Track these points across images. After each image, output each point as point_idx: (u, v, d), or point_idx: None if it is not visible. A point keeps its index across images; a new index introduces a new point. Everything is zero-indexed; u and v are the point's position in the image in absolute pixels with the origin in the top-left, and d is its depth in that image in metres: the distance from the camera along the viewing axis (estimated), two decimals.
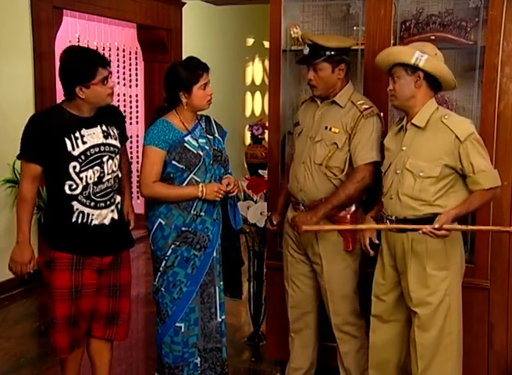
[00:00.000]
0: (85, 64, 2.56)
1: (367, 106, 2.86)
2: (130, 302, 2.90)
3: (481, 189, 2.50)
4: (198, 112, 2.99)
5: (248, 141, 7.81)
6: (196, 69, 2.86)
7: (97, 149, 2.64)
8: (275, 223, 3.16)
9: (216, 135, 3.01)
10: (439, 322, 2.60)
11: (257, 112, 9.11)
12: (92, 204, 2.65)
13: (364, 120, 2.84)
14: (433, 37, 2.94)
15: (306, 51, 2.85)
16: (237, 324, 4.24)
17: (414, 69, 2.52)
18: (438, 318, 2.60)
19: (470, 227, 2.73)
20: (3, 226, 4.69)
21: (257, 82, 9.14)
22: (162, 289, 2.94)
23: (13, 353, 3.75)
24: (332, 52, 2.82)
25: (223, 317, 3.04)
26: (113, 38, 6.70)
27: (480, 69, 2.93)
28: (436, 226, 2.45)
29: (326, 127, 2.88)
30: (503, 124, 2.92)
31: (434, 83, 2.56)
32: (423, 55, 2.49)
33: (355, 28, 3.21)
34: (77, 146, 2.59)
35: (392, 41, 3.05)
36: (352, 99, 2.89)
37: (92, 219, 2.66)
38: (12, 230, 4.78)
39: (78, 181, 2.61)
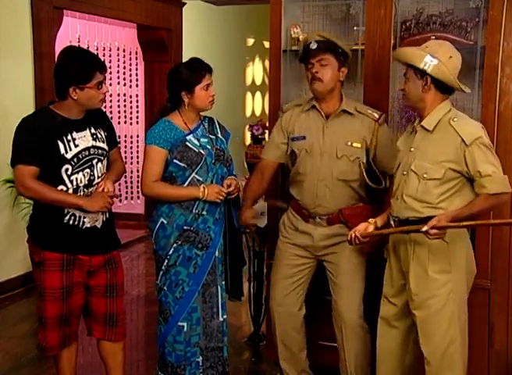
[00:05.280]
0: (84, 66, 2.57)
1: (377, 113, 2.88)
2: (123, 302, 2.91)
3: (486, 193, 2.43)
4: (201, 113, 3.00)
5: (248, 141, 7.81)
6: (198, 69, 2.88)
7: (87, 152, 2.65)
8: (253, 222, 3.16)
9: (219, 136, 3.02)
10: (442, 328, 2.55)
11: (258, 112, 9.11)
12: None
13: (383, 128, 2.89)
14: (433, 38, 2.93)
15: (314, 46, 2.79)
16: (237, 324, 4.24)
17: (422, 73, 2.47)
18: (441, 324, 2.55)
19: (464, 223, 2.43)
20: (3, 226, 4.67)
21: (258, 82, 9.14)
22: (165, 288, 2.95)
23: (13, 353, 3.75)
24: (340, 51, 2.83)
25: (225, 316, 3.05)
26: (113, 38, 6.71)
27: (480, 70, 2.93)
28: (425, 228, 2.40)
29: (347, 143, 2.86)
30: (503, 124, 2.92)
31: (444, 87, 2.50)
32: (433, 60, 2.43)
33: (355, 28, 3.21)
34: (70, 149, 2.59)
35: (392, 41, 3.05)
36: (358, 109, 2.89)
37: (84, 222, 2.66)
38: (12, 230, 4.82)
39: (69, 185, 2.61)
